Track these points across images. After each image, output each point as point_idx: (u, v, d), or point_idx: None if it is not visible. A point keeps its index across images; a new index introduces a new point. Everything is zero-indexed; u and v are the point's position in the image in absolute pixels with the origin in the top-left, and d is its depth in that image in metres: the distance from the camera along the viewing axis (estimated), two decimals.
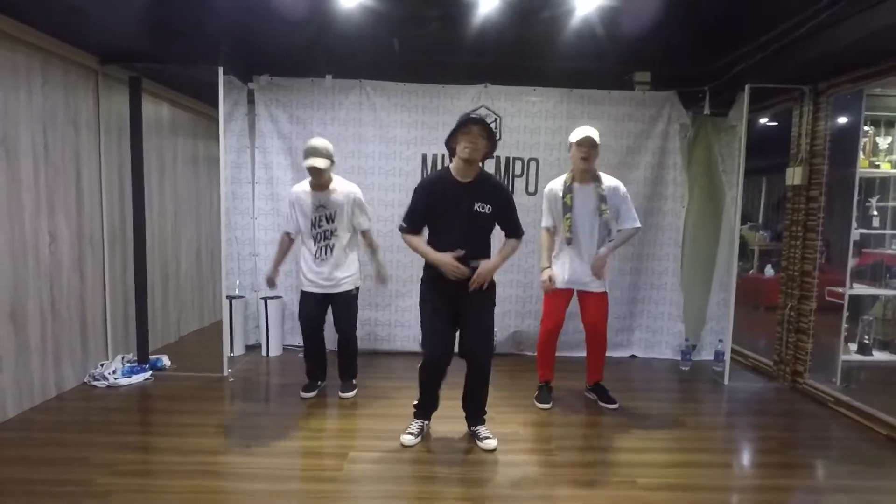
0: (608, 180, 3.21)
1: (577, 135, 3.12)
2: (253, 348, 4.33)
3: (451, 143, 2.63)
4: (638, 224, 3.23)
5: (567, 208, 3.16)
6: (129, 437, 2.75)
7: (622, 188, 3.23)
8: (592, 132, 3.10)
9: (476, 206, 2.62)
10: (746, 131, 3.76)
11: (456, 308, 2.67)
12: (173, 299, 4.53)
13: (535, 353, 3.40)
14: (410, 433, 2.75)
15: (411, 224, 2.70)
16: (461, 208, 2.62)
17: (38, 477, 2.32)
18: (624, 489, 2.36)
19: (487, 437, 2.73)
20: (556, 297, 3.25)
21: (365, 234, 3.30)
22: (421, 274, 2.78)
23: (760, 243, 6.44)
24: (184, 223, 4.72)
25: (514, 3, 3.18)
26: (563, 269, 3.22)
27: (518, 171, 4.28)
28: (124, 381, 3.47)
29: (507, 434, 2.86)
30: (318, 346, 3.34)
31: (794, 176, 3.71)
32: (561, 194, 3.19)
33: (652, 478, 2.46)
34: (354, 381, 3.45)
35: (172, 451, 2.59)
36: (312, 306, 3.25)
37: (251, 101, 4.21)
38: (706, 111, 4.15)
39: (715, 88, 4.09)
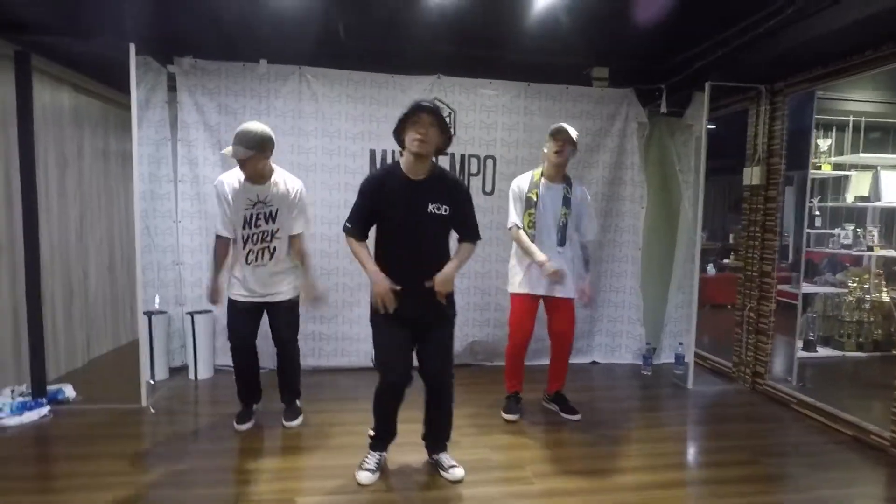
0: (577, 185, 3.07)
1: (553, 126, 2.94)
2: (178, 370, 3.78)
3: (399, 133, 2.27)
4: (593, 237, 3.19)
5: (531, 203, 2.97)
6: (17, 496, 2.21)
7: (586, 196, 3.11)
8: (569, 126, 2.91)
9: (430, 207, 2.28)
10: (706, 130, 3.68)
11: (411, 323, 2.33)
12: (79, 317, 3.89)
13: (495, 364, 3.20)
14: (368, 469, 2.39)
15: (355, 225, 2.33)
16: (413, 210, 2.27)
17: None
18: None
19: (453, 466, 2.43)
20: (523, 307, 3.04)
21: (296, 238, 2.79)
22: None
23: (701, 243, 6.58)
24: (92, 228, 4.07)
25: None
26: (530, 275, 3.00)
27: (474, 169, 4.01)
28: (13, 422, 2.86)
29: (476, 461, 2.57)
30: (251, 364, 2.89)
31: (752, 176, 3.68)
32: (526, 189, 2.99)
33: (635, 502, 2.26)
34: (299, 403, 3.03)
35: None
36: (244, 317, 2.78)
37: (172, 87, 3.67)
38: (663, 110, 4.06)
39: (671, 86, 4.01)
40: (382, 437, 2.48)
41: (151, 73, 3.58)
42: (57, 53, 3.35)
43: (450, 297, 2.39)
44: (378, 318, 2.34)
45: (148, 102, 3.62)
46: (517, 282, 3.05)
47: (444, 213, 2.31)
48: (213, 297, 2.84)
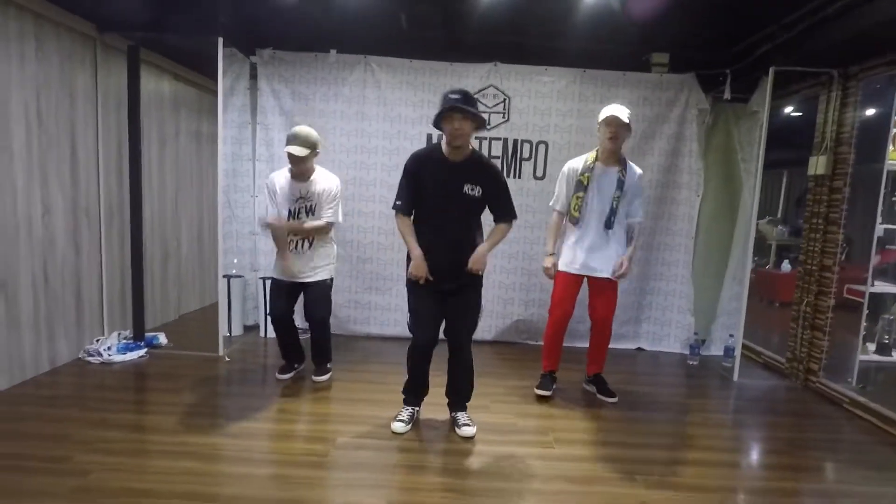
0: (631, 168, 3.06)
1: (604, 113, 2.97)
2: (251, 329, 4.27)
3: (437, 125, 2.48)
4: (641, 218, 3.14)
5: (581, 186, 3.01)
6: (118, 414, 2.69)
7: (640, 179, 3.10)
8: (621, 110, 2.94)
9: (466, 188, 2.48)
10: (768, 118, 3.56)
11: (443, 291, 2.56)
12: (173, 277, 4.48)
13: (538, 343, 3.28)
14: (401, 420, 2.66)
15: (404, 202, 2.53)
16: (450, 190, 2.48)
17: (22, 452, 2.27)
18: (621, 486, 2.25)
19: (466, 425, 2.64)
20: (566, 285, 3.09)
21: (320, 223, 3.05)
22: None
23: (779, 238, 6.23)
24: (185, 201, 4.65)
25: None
26: (574, 254, 3.07)
27: (526, 154, 4.13)
28: (118, 358, 3.42)
29: (503, 425, 2.77)
30: (291, 336, 3.26)
31: (818, 165, 3.52)
32: (579, 172, 3.04)
33: (652, 475, 2.35)
34: (329, 366, 3.36)
35: (158, 431, 2.53)
36: (283, 297, 3.14)
37: (254, 75, 4.10)
38: (727, 96, 3.95)
39: (736, 72, 3.89)
40: (414, 392, 2.73)
41: (237, 63, 4.02)
42: (161, 47, 3.87)
43: (478, 275, 2.59)
44: (413, 286, 2.59)
45: (233, 89, 4.07)
46: (560, 260, 3.12)
47: (477, 194, 2.50)
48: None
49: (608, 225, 3.02)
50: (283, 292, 3.15)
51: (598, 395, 3.23)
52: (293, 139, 2.90)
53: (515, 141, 4.11)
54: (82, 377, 3.17)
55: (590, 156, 3.07)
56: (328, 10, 3.53)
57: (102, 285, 3.62)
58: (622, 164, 3.03)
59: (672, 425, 2.93)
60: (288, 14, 3.59)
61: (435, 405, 2.79)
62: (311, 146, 2.93)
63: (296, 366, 3.36)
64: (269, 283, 4.02)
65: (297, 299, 3.22)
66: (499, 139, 4.10)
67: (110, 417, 2.64)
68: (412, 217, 2.58)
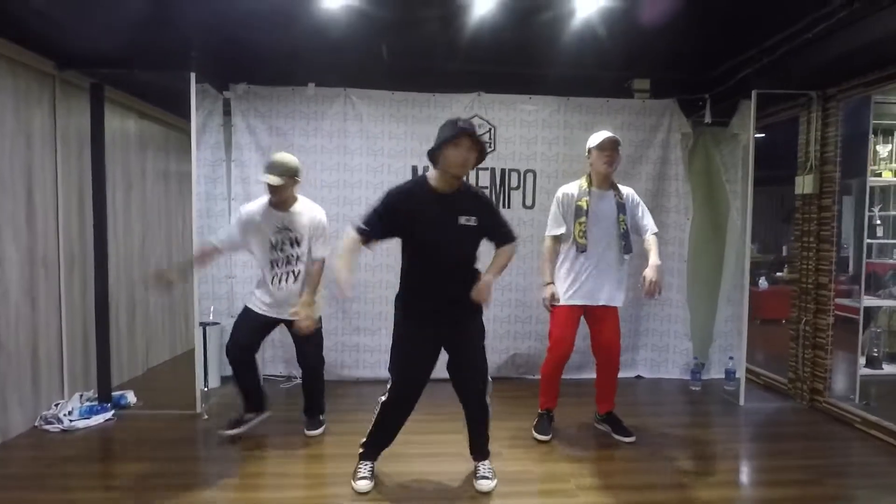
0: (624, 189, 3.00)
1: (598, 138, 2.90)
2: (229, 378, 3.91)
3: (435, 155, 2.27)
4: (656, 228, 3.02)
5: (582, 212, 2.89)
6: (84, 493, 2.36)
7: (635, 195, 3.03)
8: (611, 133, 2.89)
9: (461, 219, 2.28)
10: (753, 139, 3.59)
11: (440, 338, 2.35)
12: (141, 327, 4.13)
13: (536, 377, 3.09)
14: (363, 477, 2.39)
15: (370, 227, 2.26)
16: (445, 224, 2.26)
17: None
18: None
19: (485, 478, 2.41)
20: (566, 318, 2.94)
21: (317, 262, 2.87)
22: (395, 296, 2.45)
23: (752, 256, 6.35)
24: (153, 244, 4.34)
25: (512, 4, 2.97)
26: (575, 284, 2.92)
27: (514, 183, 4.04)
28: (81, 424, 3.06)
29: (519, 472, 2.57)
30: (253, 377, 2.97)
31: (805, 184, 3.55)
32: (576, 197, 2.92)
33: None
34: (322, 417, 3.09)
35: None
36: (251, 330, 2.87)
37: (227, 112, 3.90)
38: (707, 120, 3.99)
39: (715, 96, 3.94)
40: (377, 445, 2.48)
41: (209, 98, 3.82)
42: (125, 84, 3.64)
43: (479, 311, 2.40)
44: (402, 329, 2.37)
45: (205, 126, 3.86)
46: (558, 293, 2.97)
47: (473, 223, 2.31)
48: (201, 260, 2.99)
49: (627, 250, 2.92)
50: (256, 326, 2.87)
51: (615, 436, 3.02)
52: (270, 168, 2.73)
53: (503, 170, 4.02)
54: (40, 450, 2.80)
55: (583, 181, 2.97)
56: (305, 42, 3.40)
57: (62, 341, 3.26)
58: (615, 187, 2.97)
59: (693, 462, 2.79)
60: (262, 47, 3.44)
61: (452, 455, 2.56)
62: (290, 173, 2.75)
63: (248, 416, 2.98)
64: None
65: (263, 337, 2.96)
66: (486, 169, 4.00)
67: (75, 499, 2.30)
68: (402, 268, 2.38)
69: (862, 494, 2.50)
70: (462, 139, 2.20)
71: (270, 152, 3.84)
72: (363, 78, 3.87)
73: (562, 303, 2.95)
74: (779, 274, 6.63)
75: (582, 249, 2.89)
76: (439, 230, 2.28)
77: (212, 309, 3.93)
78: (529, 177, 4.05)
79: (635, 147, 4.07)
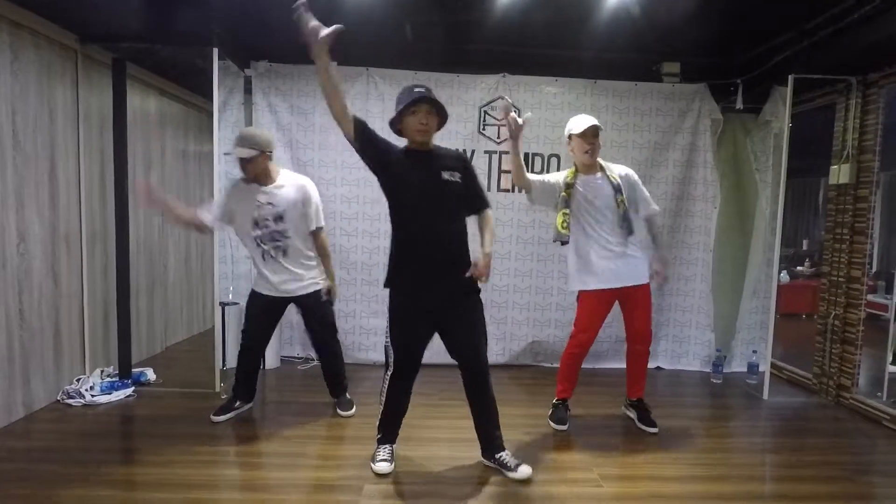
0: (616, 168, 2.88)
1: (580, 125, 2.77)
2: None
3: (396, 124, 2.29)
4: (657, 207, 2.94)
5: (565, 203, 2.76)
6: (107, 467, 2.36)
7: (633, 173, 2.92)
8: (594, 120, 2.77)
9: (445, 174, 2.24)
10: (788, 126, 3.46)
11: (436, 314, 2.30)
12: (160, 306, 4.14)
13: (555, 365, 3.01)
14: (384, 459, 2.36)
15: (367, 128, 2.20)
16: (431, 176, 2.23)
17: None
18: None
19: (519, 464, 2.34)
20: (595, 305, 2.84)
21: (316, 234, 2.86)
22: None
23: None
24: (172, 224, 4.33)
25: None
26: (601, 267, 2.78)
27: (538, 167, 3.96)
28: (103, 399, 3.08)
29: (542, 460, 2.52)
30: (255, 365, 2.97)
31: (840, 174, 3.43)
32: (562, 185, 2.80)
33: None
34: (349, 396, 3.08)
35: (155, 487, 2.22)
36: (261, 318, 2.86)
37: (248, 90, 3.85)
38: (738, 105, 3.87)
39: (748, 81, 3.81)
40: (395, 425, 2.44)
41: (230, 76, 3.77)
42: (147, 60, 3.59)
43: (476, 286, 2.33)
44: (397, 306, 2.32)
45: (226, 104, 3.81)
46: (584, 278, 2.85)
47: (458, 180, 2.27)
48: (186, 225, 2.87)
49: (630, 231, 2.80)
50: (263, 315, 2.87)
51: (638, 424, 2.97)
52: (240, 140, 2.69)
53: (526, 154, 3.94)
54: (63, 423, 2.82)
55: (568, 172, 2.85)
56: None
57: (84, 318, 3.28)
58: (601, 168, 2.84)
59: (717, 454, 2.72)
60: (285, 25, 3.35)
61: (463, 440, 2.53)
62: (261, 146, 2.69)
63: (237, 405, 2.95)
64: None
65: (275, 325, 2.96)
66: (509, 152, 3.91)
67: (101, 472, 2.31)
68: (391, 238, 2.33)
69: (894, 493, 2.43)
70: (420, 105, 2.20)
71: (291, 131, 3.82)
72: (386, 57, 3.79)
73: (588, 288, 2.85)
74: (799, 268, 6.49)
75: (564, 241, 2.78)
76: (426, 187, 2.24)
77: (231, 289, 3.92)
78: (553, 161, 3.96)
79: (663, 133, 3.96)
